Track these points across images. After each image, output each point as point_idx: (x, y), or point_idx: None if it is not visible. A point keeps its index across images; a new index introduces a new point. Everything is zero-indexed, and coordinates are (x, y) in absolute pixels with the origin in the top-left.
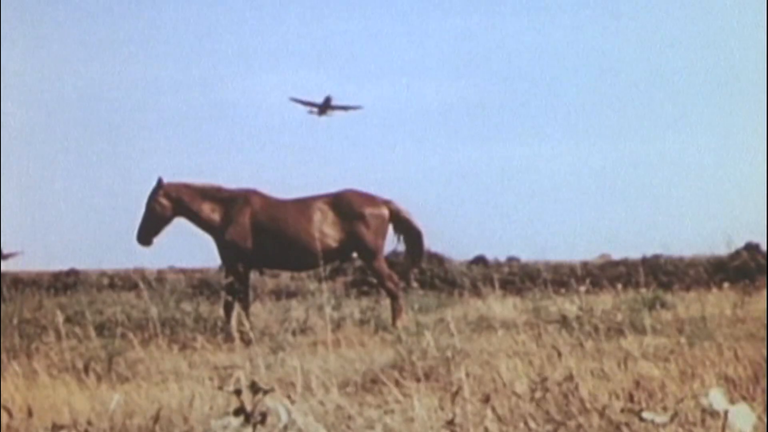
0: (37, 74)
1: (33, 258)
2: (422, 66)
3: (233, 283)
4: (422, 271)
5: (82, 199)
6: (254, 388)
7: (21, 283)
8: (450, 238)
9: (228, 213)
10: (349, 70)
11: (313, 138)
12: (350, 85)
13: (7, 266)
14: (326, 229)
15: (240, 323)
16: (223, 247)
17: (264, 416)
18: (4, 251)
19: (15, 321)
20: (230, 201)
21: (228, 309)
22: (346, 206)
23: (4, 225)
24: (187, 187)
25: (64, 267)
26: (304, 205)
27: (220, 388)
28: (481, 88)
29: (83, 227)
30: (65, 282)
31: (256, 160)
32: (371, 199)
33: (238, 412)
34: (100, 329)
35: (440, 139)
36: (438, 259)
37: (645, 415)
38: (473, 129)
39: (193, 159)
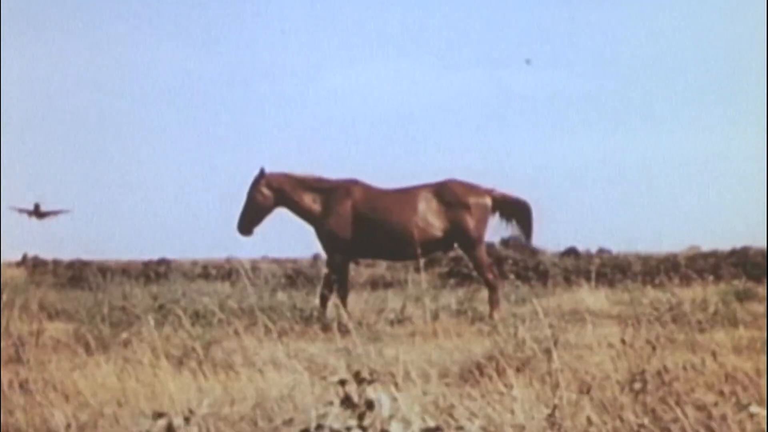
0: (127, 65)
1: (123, 246)
2: (521, 55)
3: (331, 273)
4: (515, 262)
5: (174, 188)
6: (358, 378)
7: (109, 271)
8: (542, 230)
9: (329, 203)
10: (449, 60)
11: (413, 127)
12: (450, 75)
13: (95, 254)
14: (430, 219)
15: (337, 313)
16: (324, 237)
17: (369, 406)
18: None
19: (105, 310)
20: (331, 191)
21: (324, 299)
22: (449, 195)
23: (96, 212)
24: (289, 177)
25: (155, 256)
26: (407, 194)
27: (324, 378)
28: (577, 78)
29: (175, 216)
30: (156, 271)
31: (357, 150)
32: (474, 188)
33: (343, 402)
34: (194, 318)
35: (533, 130)
36: (530, 251)
37: (752, 409)
38: (564, 120)
39: (293, 149)
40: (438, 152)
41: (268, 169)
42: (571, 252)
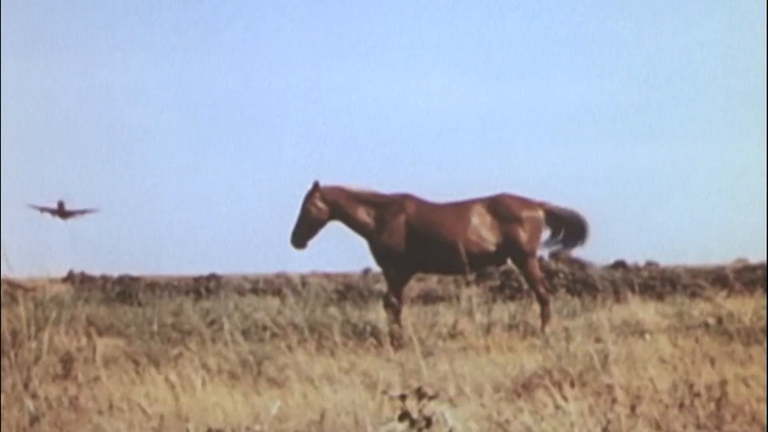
0: (175, 79)
1: (172, 262)
2: (566, 67)
3: (395, 286)
4: (564, 275)
5: (223, 203)
6: (419, 393)
7: (158, 287)
8: (590, 243)
9: (383, 217)
10: (499, 73)
11: (464, 140)
12: (496, 88)
13: (144, 270)
14: (482, 233)
15: (390, 328)
16: (377, 251)
17: (429, 421)
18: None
19: (155, 325)
20: (385, 205)
21: (394, 311)
22: (502, 209)
23: (145, 228)
24: (343, 190)
25: (204, 271)
26: (460, 209)
27: (385, 392)
28: (624, 90)
29: (224, 232)
30: (206, 286)
31: (407, 163)
32: (526, 202)
33: (403, 417)
34: (246, 334)
35: (581, 142)
36: (579, 264)
37: None
38: (612, 132)
39: (345, 162)
40: (490, 165)
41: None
42: (620, 265)
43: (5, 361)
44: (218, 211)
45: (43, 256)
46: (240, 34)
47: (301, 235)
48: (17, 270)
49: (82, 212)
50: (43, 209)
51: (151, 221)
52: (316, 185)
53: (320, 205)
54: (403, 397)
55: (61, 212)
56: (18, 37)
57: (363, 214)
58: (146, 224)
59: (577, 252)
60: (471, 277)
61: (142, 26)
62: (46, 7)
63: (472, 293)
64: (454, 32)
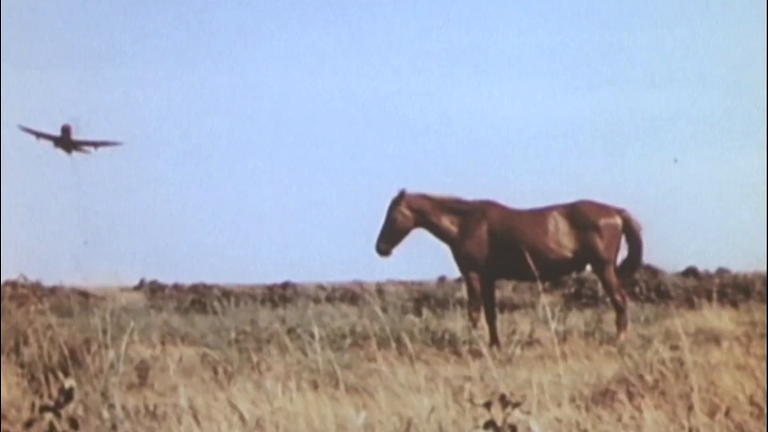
0: (254, 87)
1: (245, 270)
2: (645, 75)
3: (474, 294)
4: (637, 282)
5: (297, 211)
6: (504, 401)
7: (232, 295)
8: (662, 249)
9: (466, 224)
10: (575, 80)
11: (540, 147)
12: (575, 95)
13: (217, 278)
14: (562, 240)
15: (470, 336)
16: (461, 258)
17: (514, 429)
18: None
19: (232, 334)
20: (468, 212)
21: (490, 318)
22: (581, 216)
23: (219, 236)
24: (428, 198)
25: (279, 280)
26: (540, 216)
27: (469, 400)
28: (699, 97)
29: (298, 239)
30: (281, 295)
31: (492, 170)
32: (605, 209)
33: (488, 426)
34: (325, 342)
35: (656, 150)
36: (651, 271)
37: None
38: (685, 140)
39: (426, 169)
40: (571, 171)
41: (392, 189)
42: (691, 272)
43: (81, 370)
44: (292, 219)
45: (113, 264)
46: (319, 40)
47: (387, 243)
48: (88, 278)
49: (95, 144)
50: (40, 135)
51: (223, 229)
52: (402, 193)
53: (406, 212)
54: (488, 405)
55: (66, 141)
56: (101, 48)
57: (447, 222)
58: (219, 232)
59: (649, 258)
60: (545, 284)
61: (209, 34)
62: (120, 17)
63: (546, 301)
64: (537, 39)
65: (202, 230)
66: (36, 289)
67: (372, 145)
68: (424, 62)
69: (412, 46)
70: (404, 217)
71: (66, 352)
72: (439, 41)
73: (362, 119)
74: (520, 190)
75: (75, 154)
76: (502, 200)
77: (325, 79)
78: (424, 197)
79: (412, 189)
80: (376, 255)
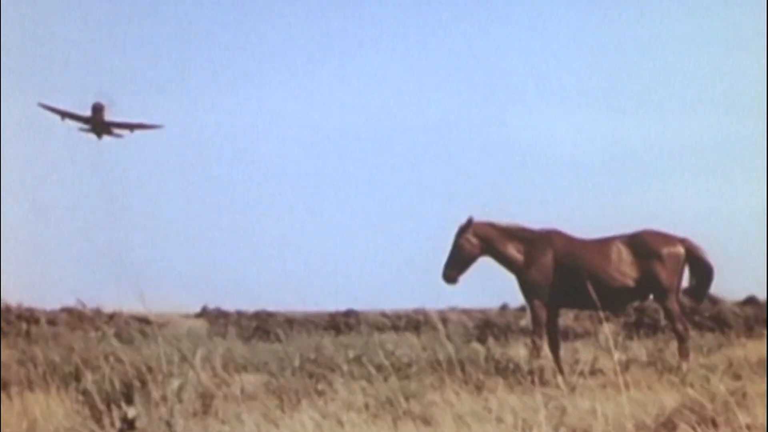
0: (319, 113)
1: (308, 297)
2: (704, 102)
3: (538, 322)
4: (696, 311)
5: (360, 239)
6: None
7: (295, 323)
8: (720, 278)
9: (531, 253)
10: (637, 107)
11: (608, 175)
12: (639, 123)
13: (279, 305)
14: (625, 269)
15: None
16: (526, 286)
17: None
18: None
19: (296, 362)
20: (534, 241)
21: (554, 347)
22: (643, 246)
23: (281, 262)
24: (494, 226)
25: (341, 307)
26: (603, 245)
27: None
28: (750, 122)
29: (361, 266)
30: (345, 322)
31: (555, 199)
32: (668, 238)
33: None
34: (389, 371)
35: (709, 177)
36: (710, 300)
37: None
38: (742, 165)
39: (490, 197)
40: (633, 200)
41: (455, 217)
42: (751, 301)
43: (143, 398)
44: (355, 246)
45: (174, 290)
46: (383, 67)
47: (454, 270)
48: (149, 304)
49: (130, 126)
50: (66, 114)
51: (286, 255)
52: (469, 221)
53: (473, 240)
54: None
55: (97, 122)
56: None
57: (513, 250)
58: (281, 258)
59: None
60: (606, 312)
61: (261, 58)
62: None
63: (608, 329)
64: (596, 67)
65: (265, 257)
66: (96, 315)
67: (434, 173)
68: (486, 89)
69: (471, 73)
70: (471, 244)
71: (128, 380)
72: (501, 69)
73: (427, 146)
74: (581, 218)
75: (103, 142)
76: (566, 228)
77: (392, 105)
78: (490, 225)
79: (463, 214)
80: (438, 282)
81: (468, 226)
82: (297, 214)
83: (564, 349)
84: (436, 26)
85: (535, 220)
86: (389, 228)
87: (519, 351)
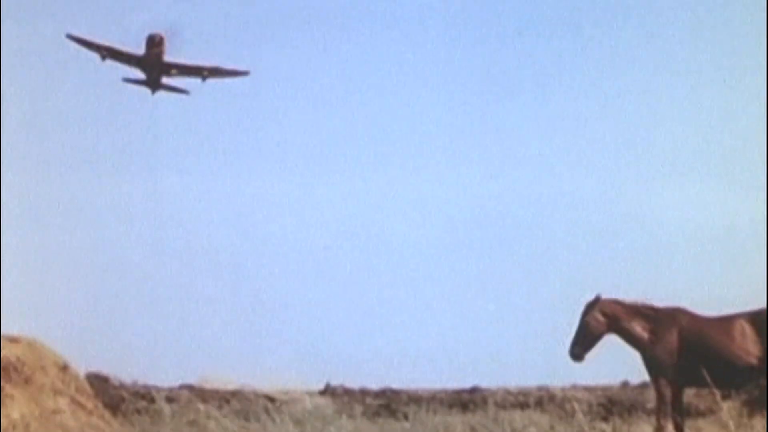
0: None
1: (432, 374)
2: None
3: (663, 400)
4: None
5: (483, 316)
6: None
7: (422, 400)
8: None
9: (657, 330)
10: (750, 180)
11: (721, 250)
12: (748, 198)
13: (404, 383)
14: (748, 347)
15: None
16: (651, 363)
17: None
18: None
19: None
20: (660, 319)
21: (678, 426)
22: (764, 323)
23: (404, 339)
24: (621, 304)
25: (466, 384)
26: (727, 323)
27: None
28: None
29: (485, 344)
30: (471, 399)
31: (670, 277)
32: None
33: None
34: None
35: None
36: None
37: None
38: None
39: (607, 273)
40: (752, 275)
41: (579, 295)
42: None
43: None
44: (479, 323)
45: (297, 366)
46: (513, 146)
47: (581, 347)
48: (272, 380)
49: (201, 71)
50: (109, 51)
51: (409, 332)
52: (597, 298)
53: (600, 318)
54: None
55: (153, 62)
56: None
57: (639, 328)
58: (405, 335)
59: None
60: (730, 390)
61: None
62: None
63: (729, 406)
64: (714, 141)
65: (389, 333)
66: (217, 392)
67: (559, 250)
68: (606, 166)
69: (590, 151)
70: (598, 322)
71: None
72: (615, 146)
73: (551, 224)
74: (705, 295)
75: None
76: (687, 305)
77: (518, 185)
78: (617, 303)
79: (588, 291)
80: (561, 359)
81: (595, 304)
82: (422, 292)
83: (688, 427)
84: (561, 108)
85: (658, 297)
86: (513, 305)
87: (644, 430)
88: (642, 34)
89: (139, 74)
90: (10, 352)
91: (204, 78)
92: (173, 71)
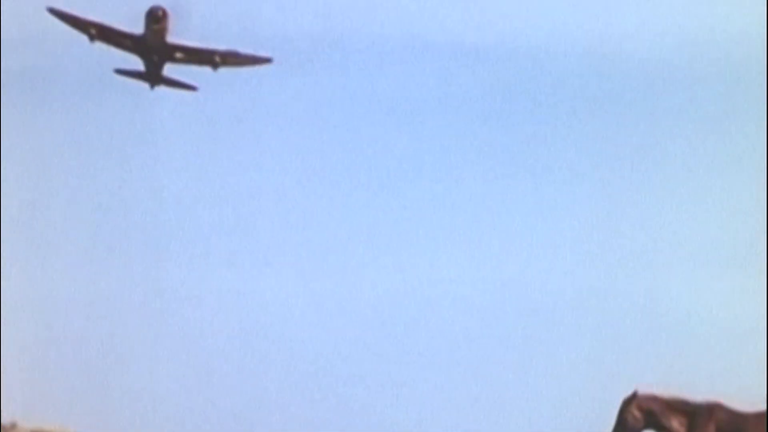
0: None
1: None
2: None
3: None
4: None
5: (518, 416)
6: None
7: None
8: None
9: (694, 426)
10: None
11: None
12: None
13: None
14: None
15: None
16: None
17: None
18: None
19: None
20: (696, 414)
21: None
22: None
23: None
24: (657, 399)
25: None
26: (763, 417)
27: None
28: None
29: None
30: None
31: (712, 370)
32: None
33: None
34: None
35: None
36: None
37: None
38: None
39: (643, 367)
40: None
41: (615, 389)
42: None
43: None
44: (516, 420)
45: None
46: (552, 236)
47: None
48: None
49: (216, 58)
50: (98, 30)
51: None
52: (634, 394)
53: (636, 413)
54: None
55: (156, 44)
56: None
57: (676, 423)
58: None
59: None
60: None
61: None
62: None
63: None
64: (748, 230)
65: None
66: None
67: (594, 343)
68: (639, 258)
69: (625, 242)
70: (635, 418)
71: None
72: (650, 237)
73: (587, 316)
74: (742, 390)
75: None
76: (724, 400)
77: (550, 277)
78: (654, 398)
79: (625, 386)
80: None
81: (632, 399)
82: (441, 397)
83: None
84: (600, 199)
85: (695, 389)
86: (550, 401)
87: None
88: (652, 123)
89: (135, 63)
90: None
91: (216, 67)
92: (178, 55)
